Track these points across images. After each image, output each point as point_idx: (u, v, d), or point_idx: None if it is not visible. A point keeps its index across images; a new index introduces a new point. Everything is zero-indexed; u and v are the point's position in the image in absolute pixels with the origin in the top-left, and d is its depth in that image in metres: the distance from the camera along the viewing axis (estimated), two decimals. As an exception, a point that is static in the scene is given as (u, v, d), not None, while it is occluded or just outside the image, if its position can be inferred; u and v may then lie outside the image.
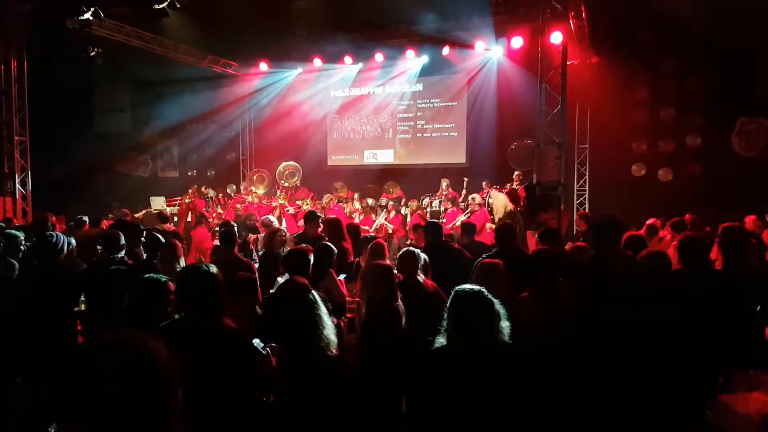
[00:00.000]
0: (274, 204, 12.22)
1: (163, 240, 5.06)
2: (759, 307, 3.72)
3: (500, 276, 3.90)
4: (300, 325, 2.60)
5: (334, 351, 2.64)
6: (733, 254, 3.75)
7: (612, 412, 3.72)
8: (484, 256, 4.88)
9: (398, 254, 4.47)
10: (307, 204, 11.90)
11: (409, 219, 10.69)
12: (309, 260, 4.03)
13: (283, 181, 13.56)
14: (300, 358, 2.59)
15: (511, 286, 3.91)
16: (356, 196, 12.23)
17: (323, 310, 2.67)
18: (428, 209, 11.18)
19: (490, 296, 2.58)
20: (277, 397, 2.69)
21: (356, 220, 10.64)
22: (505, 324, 2.58)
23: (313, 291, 2.72)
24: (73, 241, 5.11)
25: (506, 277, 3.93)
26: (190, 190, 12.71)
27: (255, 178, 13.76)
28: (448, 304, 2.62)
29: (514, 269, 4.07)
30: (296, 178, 13.57)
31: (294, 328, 2.62)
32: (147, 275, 3.06)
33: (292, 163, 13.74)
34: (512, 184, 11.11)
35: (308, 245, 4.55)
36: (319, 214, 6.70)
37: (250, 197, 12.64)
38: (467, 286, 2.64)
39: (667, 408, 3.45)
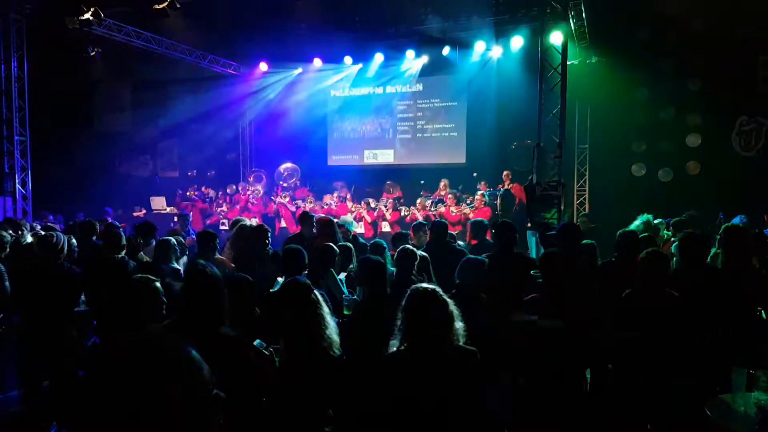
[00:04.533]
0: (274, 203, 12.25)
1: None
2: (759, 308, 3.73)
3: (482, 273, 3.92)
4: (302, 325, 2.60)
5: (336, 351, 2.64)
6: (734, 253, 3.76)
7: (612, 411, 3.73)
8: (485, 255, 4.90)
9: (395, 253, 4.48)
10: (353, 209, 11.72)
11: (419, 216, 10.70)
12: (304, 260, 4.04)
13: (282, 182, 13.56)
14: (303, 358, 2.59)
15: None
16: (348, 196, 12.23)
17: (326, 310, 2.67)
18: (431, 209, 11.20)
19: (444, 297, 2.50)
20: (281, 397, 2.69)
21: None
22: (459, 325, 2.49)
23: (315, 291, 2.73)
24: (75, 241, 5.12)
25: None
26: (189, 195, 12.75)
27: (252, 179, 13.75)
28: (402, 304, 2.54)
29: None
30: (294, 179, 13.54)
31: (296, 328, 2.62)
32: (137, 276, 3.05)
33: (290, 164, 13.73)
34: (503, 185, 11.15)
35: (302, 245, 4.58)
36: (312, 214, 6.75)
37: (251, 197, 12.65)
38: (422, 286, 2.57)
39: (666, 407, 3.45)
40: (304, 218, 6.47)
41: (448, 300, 2.49)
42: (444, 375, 2.37)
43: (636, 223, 6.33)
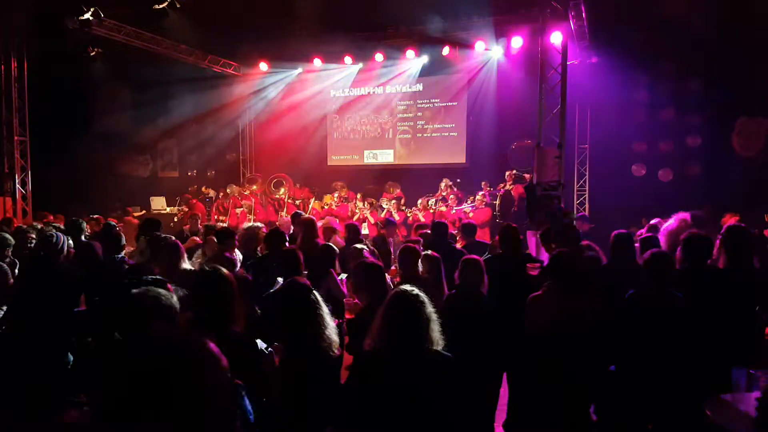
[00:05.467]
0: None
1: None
2: (758, 307, 3.72)
3: (481, 273, 3.92)
4: (302, 325, 2.60)
5: (335, 351, 2.64)
6: (735, 253, 3.75)
7: (614, 409, 3.73)
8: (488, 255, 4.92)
9: (398, 251, 4.48)
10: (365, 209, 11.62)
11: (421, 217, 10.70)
12: (299, 260, 4.03)
13: (272, 193, 13.43)
14: (302, 358, 2.59)
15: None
16: (359, 196, 12.23)
17: (325, 311, 2.67)
18: (433, 209, 11.20)
19: (420, 302, 2.41)
20: (279, 397, 2.70)
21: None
22: (435, 332, 2.41)
23: (314, 291, 2.72)
24: (71, 242, 5.11)
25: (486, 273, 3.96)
26: (188, 195, 12.71)
27: (274, 182, 13.56)
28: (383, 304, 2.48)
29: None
30: (283, 188, 13.40)
31: (296, 329, 2.62)
32: (150, 278, 3.04)
33: (278, 174, 13.62)
34: (505, 185, 11.15)
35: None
36: (302, 213, 6.76)
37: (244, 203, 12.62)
38: (403, 288, 2.49)
39: (667, 406, 3.45)
40: (295, 218, 6.54)
41: (425, 306, 2.41)
42: (415, 378, 2.31)
43: (670, 222, 6.26)
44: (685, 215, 5.80)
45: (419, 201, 11.49)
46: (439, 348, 2.41)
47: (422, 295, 2.44)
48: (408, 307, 2.38)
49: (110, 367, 2.29)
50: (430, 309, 2.42)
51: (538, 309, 3.67)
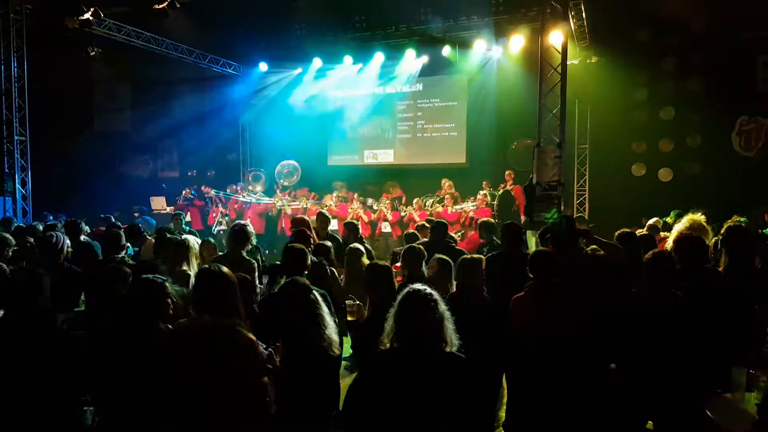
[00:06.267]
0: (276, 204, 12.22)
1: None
2: (757, 306, 3.72)
3: (479, 273, 3.91)
4: (302, 325, 2.60)
5: (335, 351, 2.64)
6: (734, 254, 3.76)
7: (612, 409, 3.73)
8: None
9: (402, 251, 4.47)
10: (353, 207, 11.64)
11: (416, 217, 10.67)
12: (306, 260, 4.01)
13: (282, 180, 13.51)
14: (302, 357, 2.59)
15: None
16: (355, 195, 12.24)
17: (325, 310, 2.67)
18: (429, 209, 11.18)
19: (433, 301, 2.36)
20: (280, 396, 2.69)
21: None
22: (449, 332, 2.37)
23: (314, 291, 2.72)
24: (68, 242, 5.11)
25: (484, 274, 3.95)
26: (183, 192, 12.75)
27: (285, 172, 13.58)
28: (395, 303, 2.44)
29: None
30: (295, 177, 13.48)
31: (296, 328, 2.62)
32: (144, 276, 3.04)
33: (290, 161, 13.68)
34: (505, 185, 11.14)
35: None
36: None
37: (246, 198, 12.63)
38: (416, 287, 2.43)
39: (666, 405, 3.45)
40: (319, 218, 6.64)
41: (438, 304, 2.37)
42: (428, 379, 2.29)
43: (682, 222, 6.22)
44: (696, 216, 5.78)
45: (414, 201, 11.48)
46: (454, 349, 2.35)
47: (435, 293, 2.39)
48: (421, 305, 2.33)
49: (125, 365, 2.30)
50: (443, 307, 2.37)
51: (520, 310, 3.66)
